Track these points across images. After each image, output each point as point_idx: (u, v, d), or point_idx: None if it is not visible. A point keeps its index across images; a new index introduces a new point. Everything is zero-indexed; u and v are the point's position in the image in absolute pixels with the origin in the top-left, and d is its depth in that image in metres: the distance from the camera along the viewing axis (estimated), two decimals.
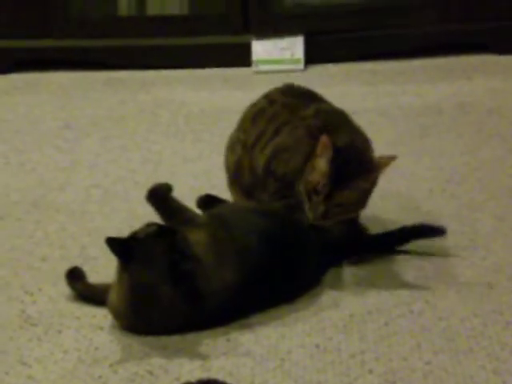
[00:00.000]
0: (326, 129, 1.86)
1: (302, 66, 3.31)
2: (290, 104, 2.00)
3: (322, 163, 1.83)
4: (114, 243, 1.69)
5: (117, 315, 1.75)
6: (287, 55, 3.32)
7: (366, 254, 1.97)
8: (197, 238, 1.76)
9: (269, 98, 2.06)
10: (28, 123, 2.94)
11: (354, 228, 1.99)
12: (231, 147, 2.09)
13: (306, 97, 2.04)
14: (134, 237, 1.73)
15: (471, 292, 1.83)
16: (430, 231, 1.95)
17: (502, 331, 1.69)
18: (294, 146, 1.93)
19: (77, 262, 1.95)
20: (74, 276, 1.88)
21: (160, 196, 1.93)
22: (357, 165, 1.83)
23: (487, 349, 1.64)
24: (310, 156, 1.87)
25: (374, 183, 1.86)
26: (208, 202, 2.05)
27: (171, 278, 1.68)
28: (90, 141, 2.77)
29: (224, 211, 1.93)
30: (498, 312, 1.75)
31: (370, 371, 1.60)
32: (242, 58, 3.33)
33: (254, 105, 2.09)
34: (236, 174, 2.07)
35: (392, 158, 1.84)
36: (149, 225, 1.77)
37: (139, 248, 1.69)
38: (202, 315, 1.72)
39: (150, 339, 1.71)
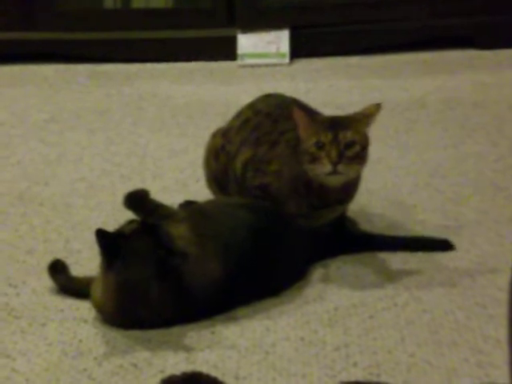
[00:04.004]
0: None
1: (287, 59, 3.31)
2: (273, 114, 2.01)
3: (306, 129, 1.85)
4: (102, 236, 1.68)
5: (102, 311, 1.74)
6: (273, 49, 3.32)
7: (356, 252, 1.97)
8: (179, 233, 1.76)
9: (254, 108, 2.06)
10: (13, 116, 2.93)
11: (341, 224, 2.00)
12: (215, 154, 2.08)
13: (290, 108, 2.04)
14: (120, 233, 1.72)
15: (455, 285, 1.83)
16: (436, 245, 1.97)
17: (485, 324, 1.70)
18: (277, 161, 1.94)
19: (61, 255, 1.95)
20: (57, 269, 1.87)
21: (138, 198, 1.93)
22: (347, 116, 1.88)
23: (470, 342, 1.65)
24: (294, 170, 1.90)
25: (369, 124, 1.87)
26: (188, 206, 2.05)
27: (159, 273, 1.68)
28: (74, 134, 2.76)
29: (205, 205, 1.93)
30: (482, 305, 1.76)
31: (355, 364, 1.60)
32: (228, 51, 3.33)
33: (239, 115, 2.08)
34: (221, 183, 2.07)
35: (379, 106, 1.87)
36: (130, 221, 1.76)
37: (125, 245, 1.69)
38: (189, 309, 1.72)
39: (135, 332, 1.71)
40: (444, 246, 1.96)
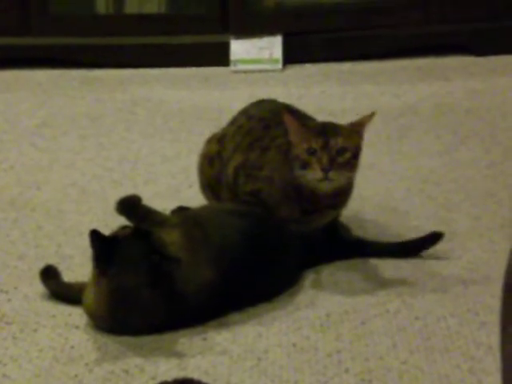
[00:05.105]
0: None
1: (280, 65, 3.31)
2: (265, 120, 2.01)
3: (297, 135, 1.85)
4: (96, 237, 1.68)
5: (94, 317, 1.74)
6: (265, 55, 3.33)
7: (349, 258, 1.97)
8: (171, 239, 1.76)
9: (247, 114, 2.06)
10: (5, 121, 2.93)
11: (334, 230, 2.00)
12: (210, 160, 2.08)
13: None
14: (114, 237, 1.71)
15: (447, 291, 1.84)
16: (426, 242, 1.97)
17: (477, 331, 1.70)
18: (268, 167, 1.94)
19: (53, 261, 1.94)
20: (49, 274, 1.87)
21: (130, 204, 1.92)
22: (338, 125, 1.88)
23: (462, 348, 1.65)
24: (285, 175, 1.90)
25: (361, 136, 1.88)
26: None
27: (151, 279, 1.67)
28: (67, 139, 2.76)
29: (197, 212, 1.93)
30: (474, 312, 1.76)
31: (347, 370, 1.60)
32: (221, 57, 3.33)
33: (233, 121, 2.09)
34: (215, 189, 2.07)
35: (372, 115, 1.87)
36: (123, 228, 1.76)
37: (118, 250, 1.68)
38: (181, 315, 1.72)
39: (127, 338, 1.70)
40: (433, 238, 1.95)
